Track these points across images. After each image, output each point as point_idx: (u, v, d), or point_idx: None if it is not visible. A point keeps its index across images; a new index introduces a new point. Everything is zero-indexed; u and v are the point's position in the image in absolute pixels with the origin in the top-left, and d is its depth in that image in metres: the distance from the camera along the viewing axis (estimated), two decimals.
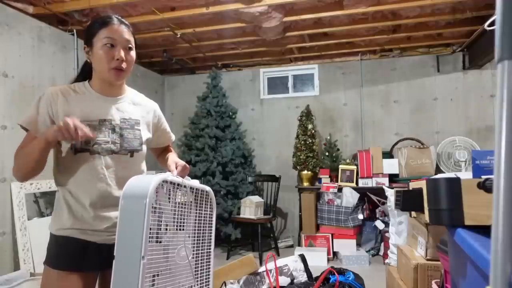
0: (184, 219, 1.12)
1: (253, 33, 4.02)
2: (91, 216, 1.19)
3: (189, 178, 1.23)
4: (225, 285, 2.36)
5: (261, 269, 2.52)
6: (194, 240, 1.18)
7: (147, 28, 3.78)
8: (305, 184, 4.37)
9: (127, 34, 1.23)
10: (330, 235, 4.06)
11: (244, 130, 5.00)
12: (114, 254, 0.97)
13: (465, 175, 1.59)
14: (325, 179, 4.28)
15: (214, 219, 1.28)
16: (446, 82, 4.57)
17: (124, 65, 1.22)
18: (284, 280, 2.48)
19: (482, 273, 0.86)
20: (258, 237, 3.94)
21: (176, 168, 1.24)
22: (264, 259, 2.72)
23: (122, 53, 1.21)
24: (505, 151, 0.46)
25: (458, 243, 1.07)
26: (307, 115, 4.50)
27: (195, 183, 1.21)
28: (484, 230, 1.07)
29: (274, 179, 4.44)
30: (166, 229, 1.05)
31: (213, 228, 1.27)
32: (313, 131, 4.43)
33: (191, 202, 1.17)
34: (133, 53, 1.26)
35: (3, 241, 2.85)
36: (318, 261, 3.73)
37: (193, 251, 1.18)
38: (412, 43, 4.41)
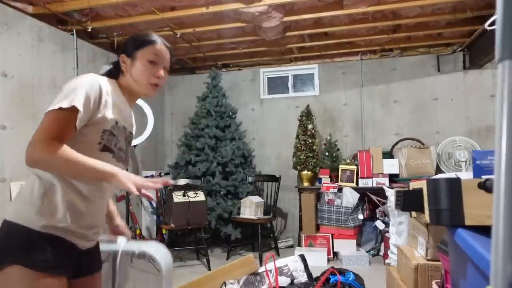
0: None
1: (253, 33, 4.02)
2: (85, 218, 1.14)
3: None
4: (225, 285, 2.36)
5: (261, 269, 2.52)
6: None
7: (147, 28, 3.78)
8: (305, 184, 4.37)
9: (168, 56, 1.30)
10: (330, 235, 4.06)
11: (244, 130, 5.00)
12: None
13: (466, 175, 1.59)
14: (325, 179, 4.28)
15: None
16: (447, 82, 4.56)
17: (161, 83, 1.27)
18: (284, 280, 2.48)
19: (483, 273, 0.86)
20: (258, 237, 3.93)
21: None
22: (264, 259, 2.72)
23: (163, 72, 1.25)
24: (506, 151, 0.46)
25: (458, 243, 1.06)
26: (307, 115, 4.50)
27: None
28: (484, 230, 1.06)
29: (274, 179, 4.44)
30: None
31: None
32: (313, 131, 4.43)
33: None
34: (167, 74, 1.31)
35: None
36: (318, 261, 3.73)
37: None
38: (412, 43, 4.41)
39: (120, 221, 1.43)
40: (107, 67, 1.30)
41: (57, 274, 1.05)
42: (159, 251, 1.33)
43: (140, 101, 4.02)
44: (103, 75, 1.25)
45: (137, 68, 1.23)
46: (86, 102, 1.06)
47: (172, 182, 1.23)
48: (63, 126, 1.03)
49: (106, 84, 1.16)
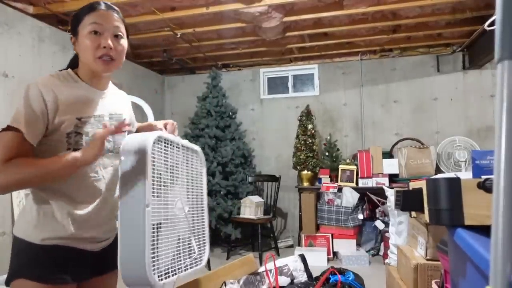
0: (177, 175, 1.17)
1: (253, 33, 4.02)
2: (87, 222, 1.09)
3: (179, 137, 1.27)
4: (225, 285, 2.36)
5: (261, 269, 2.52)
6: (188, 195, 1.24)
7: (147, 28, 3.78)
8: (305, 184, 4.37)
9: (116, 20, 1.10)
10: (330, 235, 4.06)
11: (244, 130, 5.00)
12: (119, 204, 1.01)
13: (465, 175, 1.59)
14: (325, 179, 4.28)
15: (204, 177, 1.35)
16: (446, 82, 4.57)
17: (112, 54, 1.09)
18: (284, 280, 2.47)
19: (482, 273, 0.86)
20: (258, 237, 3.94)
21: (166, 127, 1.23)
22: (264, 259, 2.72)
23: (110, 41, 1.08)
24: (505, 151, 0.46)
25: (458, 243, 1.06)
26: (307, 115, 4.50)
27: (186, 142, 1.26)
28: (484, 230, 1.06)
29: (274, 179, 4.44)
30: (160, 184, 1.08)
31: (204, 186, 1.33)
32: (313, 131, 4.43)
33: (183, 159, 1.22)
34: (123, 42, 1.13)
35: (3, 241, 2.85)
36: (318, 261, 3.73)
37: (188, 205, 1.24)
38: (412, 43, 4.41)
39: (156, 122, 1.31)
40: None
41: (62, 284, 1.05)
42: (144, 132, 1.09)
43: (140, 101, 4.02)
44: (67, 67, 1.17)
45: (81, 44, 1.09)
46: (31, 117, 0.99)
47: (127, 122, 1.06)
48: (13, 147, 0.98)
49: (51, 84, 1.04)
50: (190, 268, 1.23)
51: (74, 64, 1.18)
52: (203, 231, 1.32)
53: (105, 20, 1.08)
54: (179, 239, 1.16)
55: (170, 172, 1.14)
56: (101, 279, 1.19)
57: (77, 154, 1.00)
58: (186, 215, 1.19)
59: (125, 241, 1.00)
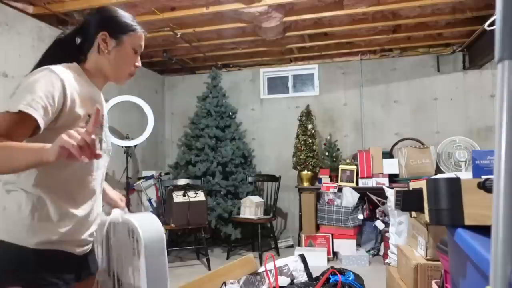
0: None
1: (253, 33, 4.02)
2: (82, 224, 1.08)
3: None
4: (225, 285, 2.36)
5: (261, 269, 2.52)
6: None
7: (147, 28, 3.78)
8: (305, 184, 4.37)
9: None
10: (330, 235, 4.06)
11: (244, 130, 5.00)
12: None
13: (465, 175, 1.59)
14: (325, 179, 4.28)
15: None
16: (446, 82, 4.56)
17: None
18: (284, 280, 2.48)
19: (482, 273, 0.86)
20: (258, 237, 3.93)
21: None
22: (264, 259, 2.72)
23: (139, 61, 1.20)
24: (505, 151, 0.46)
25: (458, 243, 1.07)
26: (307, 115, 4.50)
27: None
28: (484, 230, 1.07)
29: (274, 179, 4.44)
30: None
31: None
32: (313, 131, 4.43)
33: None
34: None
35: None
36: (318, 261, 3.73)
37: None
38: (412, 43, 4.41)
39: (113, 194, 1.37)
40: (62, 47, 1.12)
41: None
42: (144, 221, 1.17)
43: (140, 101, 4.02)
44: (60, 57, 1.08)
45: (122, 55, 1.12)
46: (47, 105, 0.93)
47: (102, 115, 1.04)
48: (15, 127, 0.89)
49: (67, 76, 1.00)
50: None
51: (62, 55, 1.09)
52: None
53: (143, 43, 1.21)
54: None
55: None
56: (82, 284, 1.16)
57: (43, 154, 0.84)
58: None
59: None
